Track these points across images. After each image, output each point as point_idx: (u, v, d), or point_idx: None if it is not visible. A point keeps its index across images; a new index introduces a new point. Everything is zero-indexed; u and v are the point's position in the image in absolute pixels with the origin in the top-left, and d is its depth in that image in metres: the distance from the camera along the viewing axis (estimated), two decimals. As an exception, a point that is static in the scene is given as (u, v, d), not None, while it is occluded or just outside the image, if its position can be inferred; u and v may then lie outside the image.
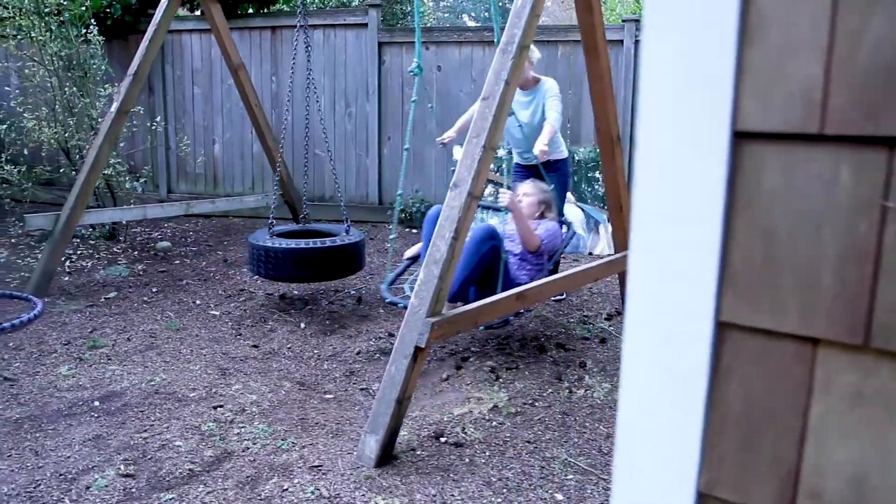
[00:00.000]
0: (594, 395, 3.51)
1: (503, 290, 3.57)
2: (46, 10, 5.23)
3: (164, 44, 6.92)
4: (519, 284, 3.92)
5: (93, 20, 5.49)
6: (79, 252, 5.64)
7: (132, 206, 5.18)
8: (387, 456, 2.78)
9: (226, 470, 2.71)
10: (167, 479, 2.64)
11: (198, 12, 7.06)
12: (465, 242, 3.57)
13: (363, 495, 2.56)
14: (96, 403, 3.21)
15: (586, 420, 3.27)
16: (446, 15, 22.99)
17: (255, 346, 3.99)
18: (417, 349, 2.78)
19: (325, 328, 4.31)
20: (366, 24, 6.45)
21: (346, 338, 4.18)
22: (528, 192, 4.05)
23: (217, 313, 4.50)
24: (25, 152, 5.47)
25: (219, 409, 3.20)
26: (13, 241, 5.98)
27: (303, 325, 4.33)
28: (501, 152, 6.10)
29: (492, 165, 6.20)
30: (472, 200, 2.91)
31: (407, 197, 6.57)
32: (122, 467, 2.70)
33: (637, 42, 5.81)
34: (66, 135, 5.38)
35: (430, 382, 3.63)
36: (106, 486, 2.58)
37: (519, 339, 4.14)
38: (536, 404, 3.40)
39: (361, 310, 4.63)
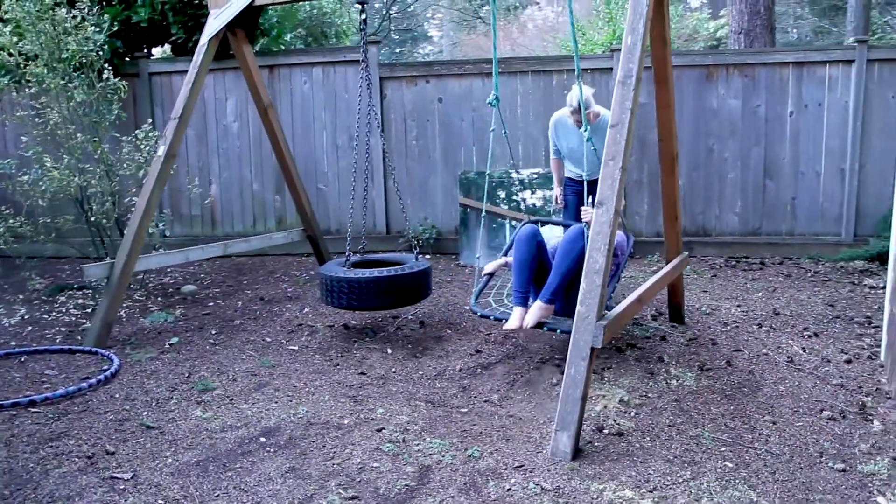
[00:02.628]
0: (687, 384, 3.92)
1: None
2: (65, 56, 5.11)
3: (153, 86, 6.82)
4: None
5: (107, 64, 5.40)
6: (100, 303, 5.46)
7: (175, 251, 5.11)
8: (577, 449, 3.06)
9: (438, 481, 2.89)
10: (390, 496, 2.79)
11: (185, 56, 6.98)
12: (561, 245, 3.99)
13: (580, 484, 2.83)
14: (262, 440, 3.26)
15: (696, 405, 3.67)
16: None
17: (363, 374, 4.11)
18: (593, 350, 3.09)
19: (412, 352, 4.48)
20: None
21: (438, 358, 4.38)
22: (587, 218, 4.43)
23: (296, 348, 4.56)
24: (41, 203, 5.24)
25: (382, 430, 3.34)
26: (22, 296, 5.69)
27: (390, 351, 4.48)
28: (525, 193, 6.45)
29: (509, 200, 6.50)
30: (616, 215, 3.27)
31: (416, 226, 6.80)
32: (340, 492, 2.81)
33: (625, 69, 6.40)
34: (92, 182, 5.23)
35: (541, 388, 3.92)
36: (340, 508, 2.70)
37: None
38: (649, 395, 3.77)
39: (430, 332, 4.83)
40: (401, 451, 3.15)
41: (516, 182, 6.24)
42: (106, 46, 5.38)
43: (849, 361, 4.25)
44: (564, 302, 4.05)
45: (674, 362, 4.21)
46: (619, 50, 6.50)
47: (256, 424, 3.42)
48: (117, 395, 3.78)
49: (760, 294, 5.54)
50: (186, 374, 4.09)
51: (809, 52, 6.33)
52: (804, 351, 4.41)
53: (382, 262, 4.91)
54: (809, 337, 4.66)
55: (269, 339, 4.71)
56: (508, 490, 2.80)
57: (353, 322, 5.05)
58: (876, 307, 5.20)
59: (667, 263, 4.67)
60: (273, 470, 2.99)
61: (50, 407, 3.60)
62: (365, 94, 4.69)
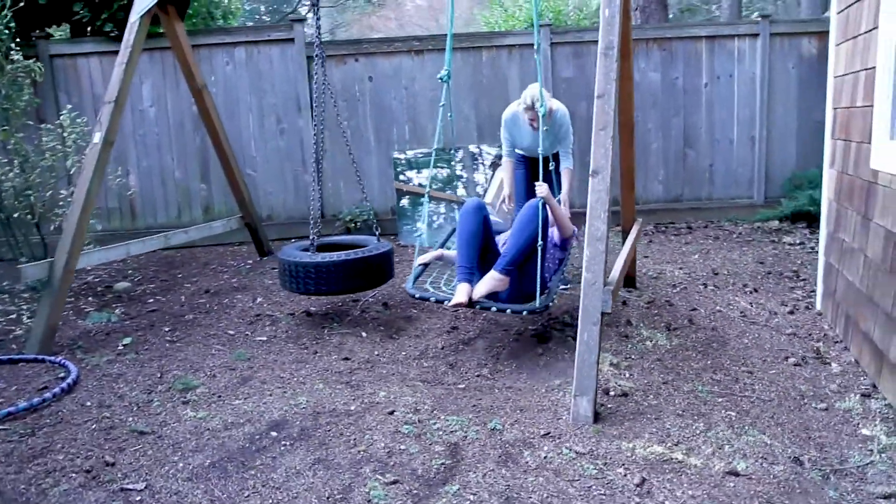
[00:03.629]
0: (661, 344, 4.12)
1: (539, 279, 3.68)
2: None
3: (55, 69, 6.22)
4: (546, 274, 4.01)
5: (13, 44, 4.89)
6: (26, 306, 4.98)
7: (115, 245, 4.73)
8: (596, 413, 3.14)
9: (472, 456, 2.88)
10: (431, 476, 2.75)
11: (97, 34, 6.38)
12: (520, 216, 3.82)
13: (609, 444, 2.92)
14: (273, 434, 3.11)
15: (678, 363, 3.86)
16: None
17: (347, 359, 4.01)
18: (603, 314, 3.18)
19: (386, 333, 4.41)
20: (292, 40, 6.40)
21: (415, 338, 4.34)
22: (542, 192, 4.01)
23: (264, 338, 4.37)
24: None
25: (394, 413, 3.28)
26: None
27: (364, 334, 4.39)
28: (445, 171, 6.45)
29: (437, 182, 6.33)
30: (610, 182, 3.36)
31: (352, 207, 6.66)
32: (378, 477, 2.74)
33: (553, 44, 6.54)
34: (9, 176, 4.74)
35: (526, 359, 3.97)
36: (385, 494, 2.63)
37: (561, 315, 4.61)
38: (633, 357, 3.93)
39: (397, 313, 4.77)
40: (421, 431, 3.11)
41: (402, 161, 6.26)
42: (13, 25, 4.84)
43: (791, 312, 4.61)
44: (516, 283, 3.84)
45: (642, 325, 4.39)
46: (545, 25, 6.65)
47: (260, 419, 3.26)
48: (89, 403, 3.48)
49: (696, 256, 5.89)
50: (158, 375, 3.82)
51: (720, 26, 6.74)
52: (751, 306, 4.73)
53: (341, 246, 4.79)
54: (750, 293, 5.01)
55: (231, 332, 4.48)
56: (545, 458, 2.84)
57: (313, 308, 4.90)
58: (799, 262, 5.66)
59: (624, 230, 4.86)
60: (298, 463, 2.87)
61: (15, 422, 3.26)
62: (321, 74, 4.49)
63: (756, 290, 5.04)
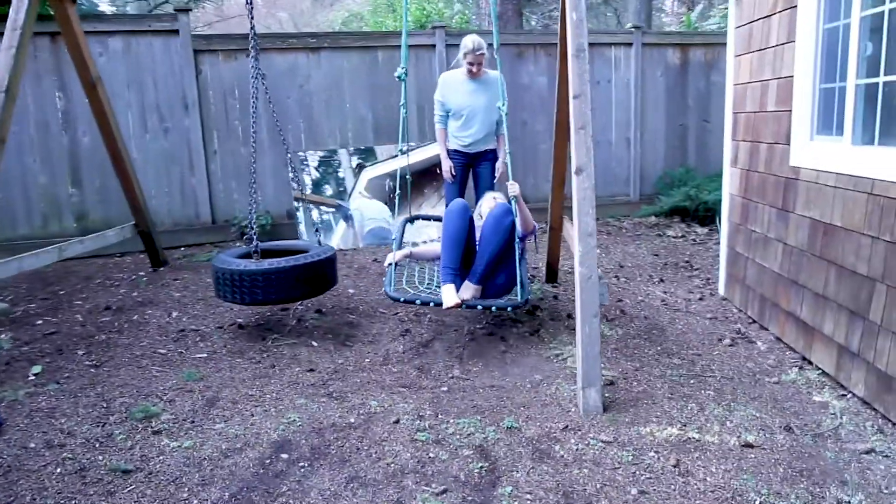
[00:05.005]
0: (608, 334, 4.30)
1: (519, 277, 3.94)
2: None
3: None
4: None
5: None
6: None
7: (6, 260, 4.02)
8: (604, 403, 3.22)
9: (505, 457, 2.84)
10: (475, 481, 2.68)
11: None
12: (487, 224, 3.98)
13: (628, 430, 3.02)
14: (283, 455, 2.85)
15: (632, 350, 4.06)
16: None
17: (312, 370, 3.76)
18: (601, 307, 3.27)
19: (337, 341, 4.19)
20: (176, 31, 5.83)
21: (370, 343, 4.17)
22: (514, 191, 4.20)
23: (205, 355, 3.96)
24: None
25: (399, 422, 3.14)
26: None
27: (315, 343, 4.14)
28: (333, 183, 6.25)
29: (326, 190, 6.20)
30: (592, 180, 3.47)
31: (245, 212, 6.22)
32: (424, 488, 2.63)
33: (448, 46, 6.58)
34: None
35: (491, 357, 3.98)
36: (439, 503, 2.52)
37: (507, 313, 4.66)
38: (608, 347, 4.05)
39: (336, 319, 4.55)
40: (438, 437, 3.01)
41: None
42: None
43: (701, 299, 5.03)
44: (490, 281, 4.00)
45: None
46: (440, 27, 6.68)
47: (257, 441, 2.97)
48: (33, 445, 2.95)
49: (598, 251, 6.23)
50: (104, 404, 3.33)
51: (599, 34, 7.19)
52: (666, 294, 5.11)
53: (279, 252, 4.48)
54: (658, 283, 5.40)
55: (162, 351, 4.02)
56: (578, 450, 2.87)
57: (241, 320, 4.53)
58: (688, 253, 6.20)
59: (555, 225, 5.04)
60: (329, 484, 2.65)
61: (-50, 476, 2.69)
62: (255, 69, 4.17)
63: (662, 280, 5.44)
